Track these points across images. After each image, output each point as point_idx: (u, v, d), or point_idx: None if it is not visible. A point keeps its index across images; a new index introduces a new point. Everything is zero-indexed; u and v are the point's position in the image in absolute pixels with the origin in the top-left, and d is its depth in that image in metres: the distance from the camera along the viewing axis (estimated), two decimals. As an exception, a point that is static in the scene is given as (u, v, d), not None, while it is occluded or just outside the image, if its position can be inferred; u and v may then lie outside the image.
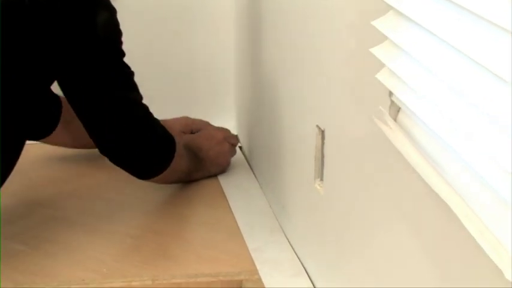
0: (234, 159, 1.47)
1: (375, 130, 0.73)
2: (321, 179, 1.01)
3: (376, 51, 0.70)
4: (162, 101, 1.53)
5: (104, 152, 1.20)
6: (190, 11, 1.57)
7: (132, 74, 1.18)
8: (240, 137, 1.55)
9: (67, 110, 1.25)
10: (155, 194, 1.34)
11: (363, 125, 0.82)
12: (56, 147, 1.44)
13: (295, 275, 1.09)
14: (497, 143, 0.51)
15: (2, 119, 1.06)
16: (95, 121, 1.17)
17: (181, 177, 1.35)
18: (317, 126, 1.00)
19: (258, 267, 1.11)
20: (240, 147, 1.55)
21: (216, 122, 1.49)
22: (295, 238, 1.17)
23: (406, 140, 0.67)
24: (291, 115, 1.16)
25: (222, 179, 1.42)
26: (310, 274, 1.08)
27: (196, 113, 1.50)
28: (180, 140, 1.30)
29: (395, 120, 0.71)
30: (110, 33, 1.14)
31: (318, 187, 1.01)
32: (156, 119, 1.22)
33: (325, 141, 0.98)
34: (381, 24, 0.69)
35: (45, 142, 1.41)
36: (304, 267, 1.10)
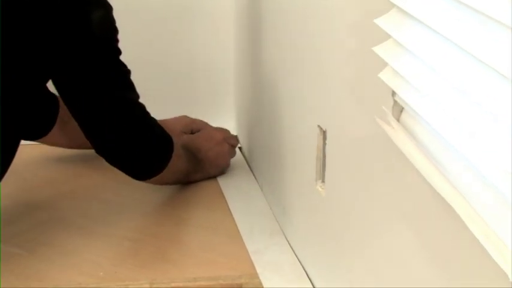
0: (233, 160, 1.47)
1: (377, 130, 0.73)
2: (323, 181, 1.00)
3: (378, 50, 0.70)
4: (162, 101, 1.54)
5: (100, 152, 1.20)
6: (190, 10, 1.58)
7: (128, 72, 1.18)
8: (240, 138, 1.55)
9: (64, 109, 1.24)
10: (153, 196, 1.34)
11: (365, 125, 0.82)
12: (52, 147, 1.44)
13: (296, 278, 1.09)
14: (501, 142, 0.51)
15: None
16: (90, 121, 1.17)
17: (179, 179, 1.34)
18: (318, 126, 0.99)
19: (258, 271, 1.11)
20: (240, 148, 1.55)
21: (216, 122, 1.49)
22: (296, 240, 1.17)
23: (410, 141, 0.67)
24: (292, 115, 1.16)
25: (221, 181, 1.42)
26: (311, 277, 1.08)
27: (196, 113, 1.50)
28: (178, 141, 1.30)
29: (398, 120, 0.71)
30: (106, 30, 1.13)
31: (320, 188, 1.01)
32: (153, 119, 1.22)
33: (327, 141, 0.98)
34: (384, 22, 0.69)
35: (42, 142, 1.41)
36: (305, 270, 1.10)
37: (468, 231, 0.54)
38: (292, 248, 1.17)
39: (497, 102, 0.52)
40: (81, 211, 1.29)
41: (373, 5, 0.74)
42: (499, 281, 0.52)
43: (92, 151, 1.23)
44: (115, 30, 1.15)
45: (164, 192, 1.35)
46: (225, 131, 1.47)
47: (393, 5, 0.68)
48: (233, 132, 1.53)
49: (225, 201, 1.34)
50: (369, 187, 0.83)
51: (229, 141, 1.45)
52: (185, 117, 1.48)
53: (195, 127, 1.47)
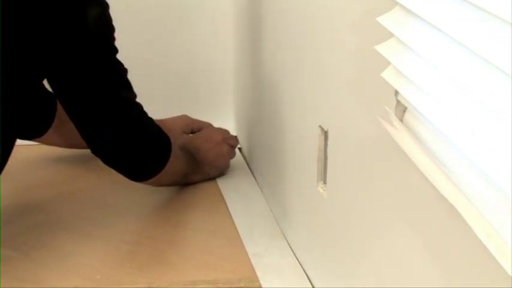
0: (233, 161, 1.47)
1: (380, 131, 0.73)
2: (324, 182, 1.00)
3: (381, 48, 0.70)
4: (161, 101, 1.56)
5: (96, 153, 1.20)
6: (189, 10, 1.59)
7: (125, 71, 1.18)
8: (240, 138, 1.55)
9: (62, 109, 1.24)
10: (151, 198, 1.34)
11: (368, 126, 0.82)
12: (49, 148, 1.44)
13: (297, 281, 1.09)
14: (504, 141, 0.51)
15: None
16: (86, 121, 1.17)
17: (177, 180, 1.34)
18: (320, 126, 0.99)
19: (258, 274, 1.11)
20: (240, 149, 1.55)
21: (215, 123, 1.50)
22: (297, 243, 1.16)
23: (413, 141, 0.66)
24: (293, 115, 1.16)
25: (221, 182, 1.42)
26: (312, 281, 1.08)
27: (195, 113, 1.51)
28: (178, 141, 1.30)
29: (401, 120, 0.71)
30: (102, 28, 1.13)
31: (321, 190, 1.01)
32: (150, 118, 1.22)
33: (329, 142, 0.98)
34: (387, 20, 0.69)
35: (39, 142, 1.41)
36: (306, 274, 1.10)
37: (471, 233, 0.54)
38: (293, 251, 1.17)
39: (500, 100, 0.52)
40: (78, 213, 1.29)
41: (375, 3, 0.74)
42: (501, 281, 0.53)
43: (89, 151, 1.23)
44: (112, 28, 1.15)
45: (162, 194, 1.35)
46: (224, 132, 1.47)
47: (396, 3, 0.68)
48: (232, 132, 1.53)
49: (225, 203, 1.34)
50: (372, 188, 0.83)
51: (229, 142, 1.45)
52: (185, 116, 1.49)
53: (196, 127, 1.47)
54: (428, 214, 0.69)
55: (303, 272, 1.11)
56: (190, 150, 1.37)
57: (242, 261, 1.14)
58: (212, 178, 1.42)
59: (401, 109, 0.72)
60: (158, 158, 1.24)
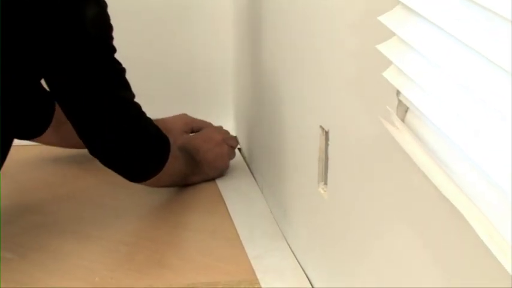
0: (233, 161, 1.47)
1: (381, 131, 0.73)
2: (325, 183, 1.00)
3: (382, 48, 0.70)
4: (161, 101, 1.57)
5: (94, 153, 1.20)
6: (189, 10, 1.60)
7: (123, 70, 1.18)
8: (240, 139, 1.55)
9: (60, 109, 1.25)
10: (150, 199, 1.34)
11: (369, 126, 0.82)
12: (46, 149, 1.45)
13: (297, 283, 1.09)
14: (507, 141, 0.51)
15: None
16: (84, 121, 1.17)
17: (176, 181, 1.34)
18: (320, 126, 0.99)
19: (258, 276, 1.10)
20: (240, 149, 1.55)
21: (215, 123, 1.51)
22: (297, 245, 1.16)
23: (415, 142, 0.66)
24: (293, 115, 1.16)
25: (220, 183, 1.42)
26: (313, 283, 1.08)
27: (195, 114, 1.52)
28: (179, 139, 1.30)
29: (403, 120, 0.71)
30: (100, 27, 1.13)
31: (322, 191, 1.01)
32: (149, 119, 1.22)
33: (330, 142, 0.98)
34: (388, 19, 0.69)
35: (37, 142, 1.41)
36: (306, 275, 1.10)
37: (473, 233, 0.54)
38: (293, 253, 1.17)
39: (503, 100, 0.52)
40: (77, 214, 1.29)
41: (377, 2, 0.74)
42: (502, 282, 0.53)
43: (86, 151, 1.22)
44: (110, 28, 1.15)
45: (161, 195, 1.35)
46: (224, 132, 1.47)
47: (397, 2, 0.68)
48: (232, 132, 1.53)
49: (224, 203, 1.34)
50: (373, 189, 0.83)
51: (229, 142, 1.45)
52: (185, 115, 1.49)
53: (196, 126, 1.48)
54: (429, 215, 0.69)
55: (303, 273, 1.11)
56: (190, 151, 1.37)
57: (242, 263, 1.14)
58: (212, 179, 1.42)
59: (403, 109, 0.72)
60: (157, 159, 1.24)
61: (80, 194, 1.36)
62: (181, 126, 1.45)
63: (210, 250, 1.18)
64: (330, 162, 0.98)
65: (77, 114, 1.17)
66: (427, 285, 0.70)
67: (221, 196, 1.36)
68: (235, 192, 1.38)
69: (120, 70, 1.17)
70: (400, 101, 0.71)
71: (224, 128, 1.50)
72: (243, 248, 1.18)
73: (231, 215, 1.29)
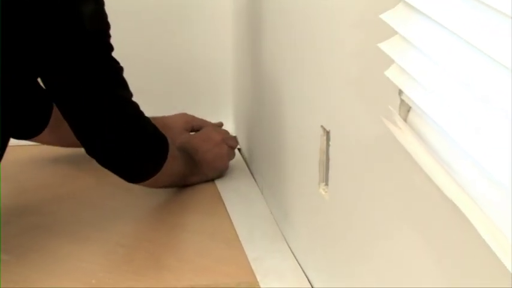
0: (232, 162, 1.47)
1: (383, 131, 0.73)
2: (326, 183, 1.00)
3: (384, 46, 0.70)
4: (161, 101, 1.58)
5: (92, 153, 1.20)
6: (189, 10, 1.61)
7: (121, 69, 1.18)
8: (239, 139, 1.55)
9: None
10: (148, 200, 1.34)
11: (371, 126, 0.82)
12: (45, 149, 1.45)
13: (297, 285, 1.09)
14: (509, 140, 0.51)
15: None
16: (81, 121, 1.17)
17: (175, 181, 1.34)
18: (322, 127, 0.99)
19: (258, 278, 1.11)
20: (239, 149, 1.55)
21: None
22: (298, 246, 1.17)
23: (417, 142, 0.67)
24: (294, 115, 1.16)
25: (220, 184, 1.42)
26: (313, 285, 1.08)
27: (195, 114, 1.53)
28: (177, 138, 1.30)
29: (405, 120, 0.71)
30: (97, 25, 1.13)
31: (323, 192, 1.01)
32: (147, 118, 1.22)
33: (331, 142, 0.98)
34: (390, 17, 0.69)
35: (36, 141, 1.41)
36: (307, 277, 1.10)
37: (475, 233, 0.55)
38: (293, 254, 1.17)
39: (506, 98, 0.52)
40: (75, 215, 1.29)
41: (378, 0, 0.74)
42: (506, 282, 0.53)
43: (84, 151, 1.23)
44: (107, 26, 1.15)
45: (159, 196, 1.35)
46: (224, 132, 1.47)
47: (399, 0, 0.68)
48: (232, 133, 1.53)
49: (224, 204, 1.34)
50: (375, 190, 0.83)
51: (228, 143, 1.45)
52: (185, 114, 1.50)
53: (196, 124, 1.48)
54: (431, 215, 0.69)
55: (304, 275, 1.11)
56: (188, 151, 1.37)
57: (241, 265, 1.14)
58: (211, 179, 1.42)
59: (405, 109, 0.72)
60: (155, 158, 1.24)
61: (78, 194, 1.36)
62: (181, 124, 1.46)
63: (209, 251, 1.18)
64: (331, 162, 0.98)
65: (75, 113, 1.17)
66: (429, 285, 0.70)
67: (220, 197, 1.36)
68: (235, 193, 1.38)
69: (117, 68, 1.17)
70: (402, 101, 0.71)
71: (224, 128, 1.50)
72: (243, 249, 1.18)
73: (231, 216, 1.29)
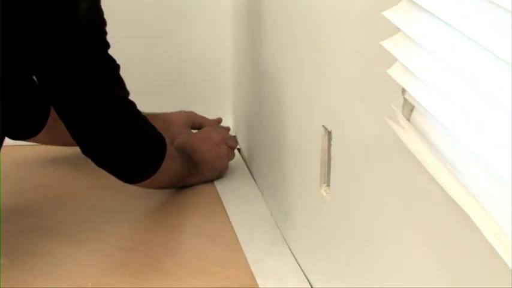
0: (232, 162, 1.47)
1: (386, 130, 0.73)
2: (328, 184, 1.00)
3: (387, 44, 0.70)
4: (161, 101, 1.60)
5: (88, 153, 1.19)
6: (189, 10, 1.63)
7: (117, 67, 1.17)
8: (239, 139, 1.55)
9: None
10: (145, 201, 1.34)
11: (374, 125, 0.81)
12: (40, 149, 1.45)
13: (298, 289, 1.09)
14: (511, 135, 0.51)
15: None
16: (76, 120, 1.17)
17: (173, 182, 1.34)
18: (323, 126, 0.99)
19: (258, 281, 1.10)
20: (239, 150, 1.55)
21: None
22: (298, 248, 1.16)
23: (421, 142, 0.66)
24: (295, 114, 1.15)
25: (219, 185, 1.42)
26: (314, 287, 1.08)
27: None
28: (178, 134, 1.30)
29: (408, 119, 0.71)
30: (93, 22, 1.13)
31: (324, 193, 1.01)
32: (144, 117, 1.21)
33: (332, 142, 0.97)
34: (393, 15, 0.69)
35: (33, 141, 1.41)
36: (308, 280, 1.10)
37: (479, 234, 0.54)
38: (294, 257, 1.17)
39: (509, 95, 0.52)
40: (71, 217, 1.29)
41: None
42: (507, 282, 0.53)
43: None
44: (103, 22, 1.14)
45: (158, 198, 1.35)
46: (223, 132, 1.47)
47: (403, -4, 0.68)
48: (232, 132, 1.53)
49: (223, 206, 1.34)
50: (377, 191, 0.83)
51: (228, 143, 1.45)
52: (184, 111, 1.51)
53: (197, 121, 1.50)
54: (434, 216, 0.68)
55: (304, 277, 1.11)
56: (187, 151, 1.36)
57: (241, 267, 1.14)
58: (210, 180, 1.42)
59: (408, 108, 0.71)
60: (153, 158, 1.23)
61: (75, 196, 1.37)
62: (183, 120, 1.48)
63: (208, 254, 1.18)
64: (332, 163, 0.98)
65: (69, 113, 1.16)
66: (432, 286, 0.70)
67: (220, 198, 1.36)
68: (235, 194, 1.38)
69: (114, 66, 1.17)
70: (405, 100, 0.71)
71: (223, 126, 1.52)
72: (243, 251, 1.18)
73: (230, 218, 1.29)
